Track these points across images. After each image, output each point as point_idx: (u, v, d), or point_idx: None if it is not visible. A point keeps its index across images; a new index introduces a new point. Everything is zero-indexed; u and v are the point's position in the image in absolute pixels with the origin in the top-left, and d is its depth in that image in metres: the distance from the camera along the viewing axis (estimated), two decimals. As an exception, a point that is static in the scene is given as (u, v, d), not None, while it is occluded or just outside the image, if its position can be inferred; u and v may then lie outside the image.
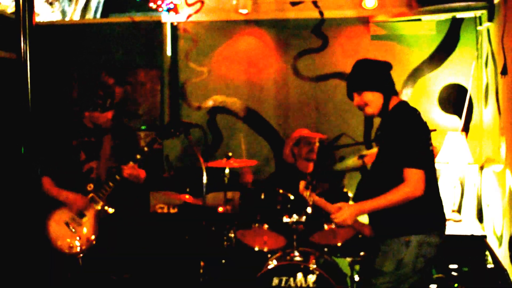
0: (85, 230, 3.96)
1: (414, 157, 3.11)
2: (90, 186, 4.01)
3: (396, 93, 3.37)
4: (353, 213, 3.21)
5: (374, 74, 3.35)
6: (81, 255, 3.93)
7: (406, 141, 3.13)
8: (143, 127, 5.74)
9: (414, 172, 3.08)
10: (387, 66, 3.38)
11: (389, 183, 3.14)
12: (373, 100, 3.33)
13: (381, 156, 3.35)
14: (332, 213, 3.24)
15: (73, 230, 3.92)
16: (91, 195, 4.00)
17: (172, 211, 5.16)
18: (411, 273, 3.20)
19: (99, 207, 3.98)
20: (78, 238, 3.92)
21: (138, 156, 4.01)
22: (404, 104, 3.33)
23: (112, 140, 4.18)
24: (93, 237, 3.96)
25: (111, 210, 3.99)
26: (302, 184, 3.39)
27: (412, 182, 3.07)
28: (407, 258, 3.17)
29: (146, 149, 4.09)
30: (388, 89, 3.32)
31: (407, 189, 3.08)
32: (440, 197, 3.30)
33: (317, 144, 4.72)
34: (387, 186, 3.14)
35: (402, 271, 3.19)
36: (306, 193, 3.37)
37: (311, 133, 4.91)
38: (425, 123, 3.25)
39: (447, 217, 3.40)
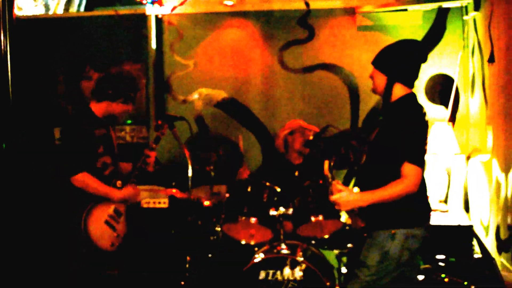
0: (122, 227, 3.89)
1: (416, 153, 3.11)
2: (119, 183, 3.88)
3: (406, 83, 3.25)
4: (352, 201, 3.16)
5: (389, 56, 3.27)
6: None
7: (411, 136, 3.11)
8: (128, 122, 5.69)
9: (414, 168, 3.07)
10: (414, 56, 3.26)
11: (384, 176, 3.14)
12: (377, 79, 3.31)
13: (377, 146, 3.32)
14: (332, 193, 3.19)
15: (114, 228, 3.82)
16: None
17: (158, 205, 5.12)
18: (396, 266, 3.19)
19: (128, 204, 3.94)
20: (117, 236, 3.84)
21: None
22: (412, 97, 3.27)
23: (113, 132, 4.06)
24: (125, 234, 3.93)
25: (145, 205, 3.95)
26: (326, 164, 3.33)
27: (412, 178, 3.08)
28: (392, 251, 3.17)
29: (154, 146, 4.05)
30: (394, 75, 3.23)
31: (407, 184, 3.08)
32: (426, 192, 3.30)
33: (311, 137, 4.70)
34: (382, 178, 3.13)
35: (387, 263, 3.18)
36: (329, 175, 3.31)
37: (308, 125, 4.88)
38: (427, 122, 3.21)
39: (434, 207, 3.40)
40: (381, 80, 3.28)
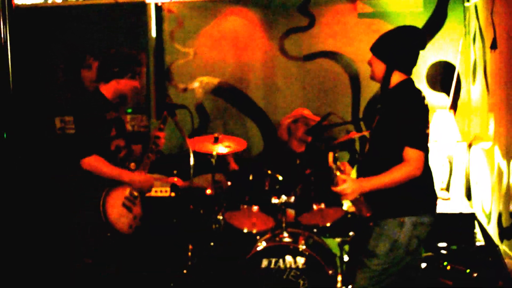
0: (138, 209, 3.87)
1: (416, 137, 3.08)
2: (133, 165, 3.84)
3: (404, 70, 3.23)
4: (357, 188, 3.12)
5: (387, 43, 3.25)
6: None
7: (410, 120, 3.09)
8: (129, 110, 5.67)
9: (415, 152, 3.05)
10: (413, 43, 3.24)
11: (386, 161, 3.11)
12: (375, 66, 3.29)
13: (378, 133, 3.31)
14: (337, 185, 3.14)
15: (131, 210, 3.80)
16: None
17: (159, 194, 5.12)
18: (405, 254, 3.17)
19: (143, 189, 3.89)
20: (134, 217, 3.82)
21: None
22: (410, 82, 3.25)
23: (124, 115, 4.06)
24: (142, 215, 3.91)
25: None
26: (331, 156, 3.31)
27: (414, 162, 3.05)
28: (402, 239, 3.14)
29: (162, 126, 4.04)
30: (393, 63, 3.21)
31: (408, 168, 3.05)
32: (432, 178, 3.28)
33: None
34: (384, 164, 3.11)
35: (396, 252, 3.16)
36: (334, 166, 3.29)
37: (312, 115, 4.87)
38: (427, 105, 3.19)
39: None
40: (380, 67, 3.26)
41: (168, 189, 5.00)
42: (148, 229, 4.78)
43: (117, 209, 3.74)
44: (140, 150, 4.10)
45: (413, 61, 3.27)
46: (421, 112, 3.17)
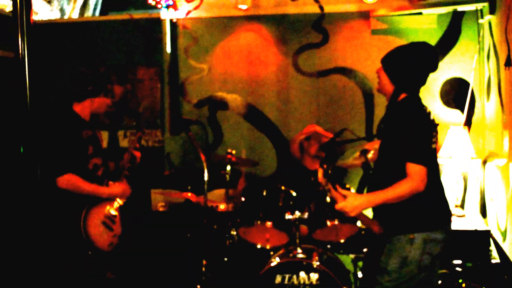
0: (118, 227, 3.93)
1: (417, 153, 3.07)
2: (111, 183, 3.91)
3: (410, 92, 3.24)
4: (359, 205, 3.11)
5: (398, 63, 3.25)
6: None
7: (410, 136, 3.09)
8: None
9: (417, 168, 3.04)
10: (423, 66, 3.23)
11: (392, 177, 3.11)
12: (383, 81, 3.31)
13: (384, 149, 3.31)
14: (337, 202, 3.13)
15: (111, 228, 3.86)
16: None
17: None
18: (417, 270, 3.15)
19: (122, 203, 3.96)
20: (114, 235, 3.88)
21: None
22: (413, 98, 3.26)
23: (99, 133, 4.10)
24: (121, 233, 3.96)
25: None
26: (320, 171, 3.31)
27: (415, 177, 3.04)
28: (412, 256, 3.13)
29: (138, 145, 4.13)
30: (402, 85, 3.23)
31: (410, 183, 3.04)
32: (444, 194, 3.26)
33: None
34: (390, 180, 3.10)
35: (407, 268, 3.15)
36: (324, 181, 3.27)
37: (324, 132, 4.88)
38: (432, 120, 3.19)
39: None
40: (388, 84, 3.29)
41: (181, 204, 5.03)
42: (162, 243, 4.81)
43: (97, 227, 3.77)
44: (113, 167, 4.15)
45: (421, 83, 3.28)
46: (424, 127, 3.15)
